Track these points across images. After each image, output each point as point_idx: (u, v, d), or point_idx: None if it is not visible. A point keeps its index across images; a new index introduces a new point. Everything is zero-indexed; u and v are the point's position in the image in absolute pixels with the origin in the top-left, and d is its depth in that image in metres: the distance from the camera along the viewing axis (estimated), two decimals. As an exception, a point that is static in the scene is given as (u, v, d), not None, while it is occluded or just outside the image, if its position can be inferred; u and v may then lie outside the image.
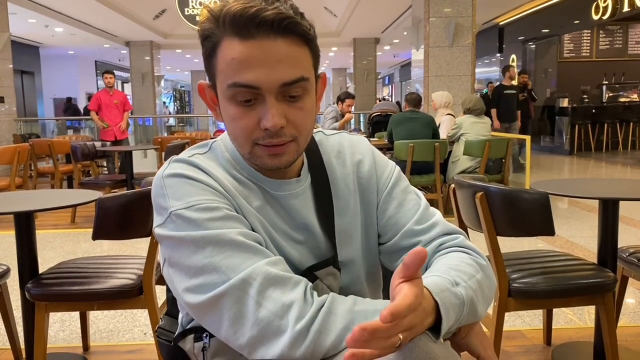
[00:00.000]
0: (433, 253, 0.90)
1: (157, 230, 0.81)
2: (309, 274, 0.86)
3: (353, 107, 6.41)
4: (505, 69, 8.37)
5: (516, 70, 8.46)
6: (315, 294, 0.76)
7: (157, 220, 0.82)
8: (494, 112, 7.88)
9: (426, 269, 0.89)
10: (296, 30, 0.77)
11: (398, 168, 0.99)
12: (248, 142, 0.80)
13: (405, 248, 0.93)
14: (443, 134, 5.28)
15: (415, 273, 0.64)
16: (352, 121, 12.72)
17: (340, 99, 6.29)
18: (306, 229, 0.89)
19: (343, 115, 6.29)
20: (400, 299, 0.62)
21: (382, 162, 0.98)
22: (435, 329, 0.72)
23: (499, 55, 13.89)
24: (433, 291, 0.72)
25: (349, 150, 0.97)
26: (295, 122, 0.80)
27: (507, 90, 8.06)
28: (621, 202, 2.00)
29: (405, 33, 11.64)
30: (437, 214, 0.95)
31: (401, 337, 0.63)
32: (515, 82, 8.43)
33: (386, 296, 1.00)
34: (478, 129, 5.01)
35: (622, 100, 11.20)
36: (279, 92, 0.77)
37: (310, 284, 0.77)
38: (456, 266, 0.82)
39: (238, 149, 0.84)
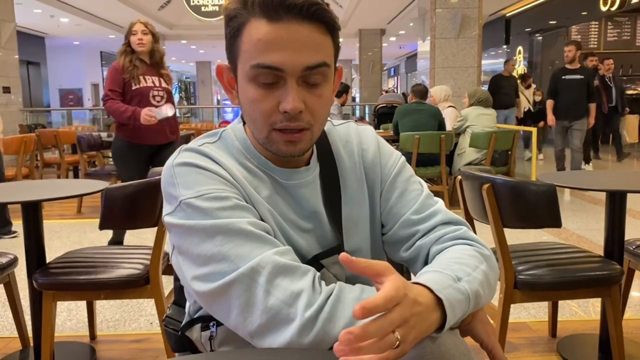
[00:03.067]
0: (432, 243, 0.89)
1: (167, 219, 0.81)
2: (315, 262, 0.86)
3: (358, 98, 6.62)
4: (570, 45, 5.95)
5: (574, 49, 5.83)
6: (323, 282, 0.76)
7: (166, 208, 0.82)
8: (549, 104, 5.96)
9: (425, 263, 0.88)
10: (323, 17, 0.78)
11: (403, 157, 0.99)
12: (265, 125, 0.80)
13: (404, 238, 0.92)
14: (447, 127, 5.27)
15: (369, 272, 0.63)
16: (357, 112, 12.73)
17: (344, 91, 6.39)
18: (314, 217, 0.89)
19: (343, 105, 6.45)
20: (375, 294, 0.61)
21: (386, 151, 0.98)
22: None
23: (505, 46, 13.80)
24: (434, 288, 0.70)
25: (356, 139, 0.97)
26: (313, 109, 0.80)
27: (568, 75, 5.88)
28: (628, 195, 1.99)
29: (411, 24, 11.59)
30: (437, 203, 0.94)
31: (398, 335, 0.61)
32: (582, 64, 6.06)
33: None
34: (484, 120, 4.99)
35: (629, 92, 11.10)
36: (300, 77, 0.78)
37: (318, 273, 0.78)
38: (458, 259, 0.81)
39: (254, 132, 0.84)
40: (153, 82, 3.20)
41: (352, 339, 0.56)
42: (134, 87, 3.14)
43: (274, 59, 0.76)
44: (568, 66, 5.90)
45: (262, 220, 0.82)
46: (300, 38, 0.77)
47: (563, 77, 5.89)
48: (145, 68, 3.18)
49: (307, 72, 0.78)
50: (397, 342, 0.61)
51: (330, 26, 0.80)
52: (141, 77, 3.15)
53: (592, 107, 5.97)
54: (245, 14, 0.78)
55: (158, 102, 3.18)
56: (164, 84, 3.24)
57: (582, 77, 5.84)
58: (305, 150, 0.84)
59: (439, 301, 0.70)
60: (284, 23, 0.76)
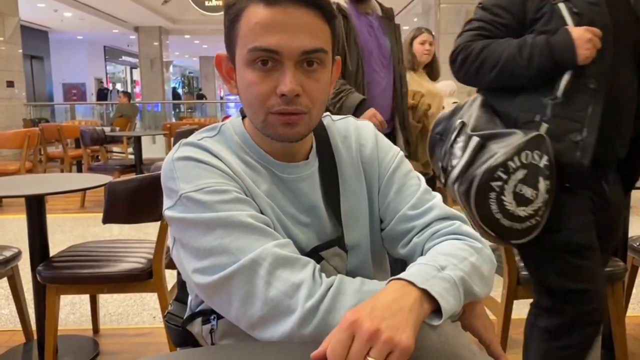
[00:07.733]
0: (426, 240, 0.89)
1: (167, 213, 0.82)
2: (314, 254, 0.86)
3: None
4: None
5: None
6: (324, 274, 0.76)
7: (166, 202, 0.82)
8: None
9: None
10: (319, 4, 0.79)
11: (401, 152, 0.99)
12: (262, 109, 0.81)
13: (401, 233, 0.92)
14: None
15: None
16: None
17: None
18: (312, 211, 0.89)
19: None
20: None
21: (384, 146, 0.98)
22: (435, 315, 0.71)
23: (509, 42, 13.74)
24: (416, 282, 0.71)
25: (354, 134, 0.97)
26: (311, 93, 0.80)
27: None
28: (632, 192, 1.98)
29: (415, 19, 11.54)
30: (435, 198, 0.94)
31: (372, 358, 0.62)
32: None
33: None
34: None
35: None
36: (297, 61, 0.78)
37: (318, 265, 0.78)
38: (446, 251, 0.82)
39: (252, 117, 0.84)
40: None
41: None
42: None
43: (271, 42, 0.77)
44: None
45: (261, 213, 0.82)
46: (298, 22, 0.77)
47: None
48: None
49: (304, 56, 0.78)
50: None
51: (327, 13, 0.80)
52: None
53: None
54: (244, 0, 0.79)
55: None
56: None
57: None
58: (303, 134, 0.84)
59: (423, 293, 0.70)
60: (281, 6, 0.77)
